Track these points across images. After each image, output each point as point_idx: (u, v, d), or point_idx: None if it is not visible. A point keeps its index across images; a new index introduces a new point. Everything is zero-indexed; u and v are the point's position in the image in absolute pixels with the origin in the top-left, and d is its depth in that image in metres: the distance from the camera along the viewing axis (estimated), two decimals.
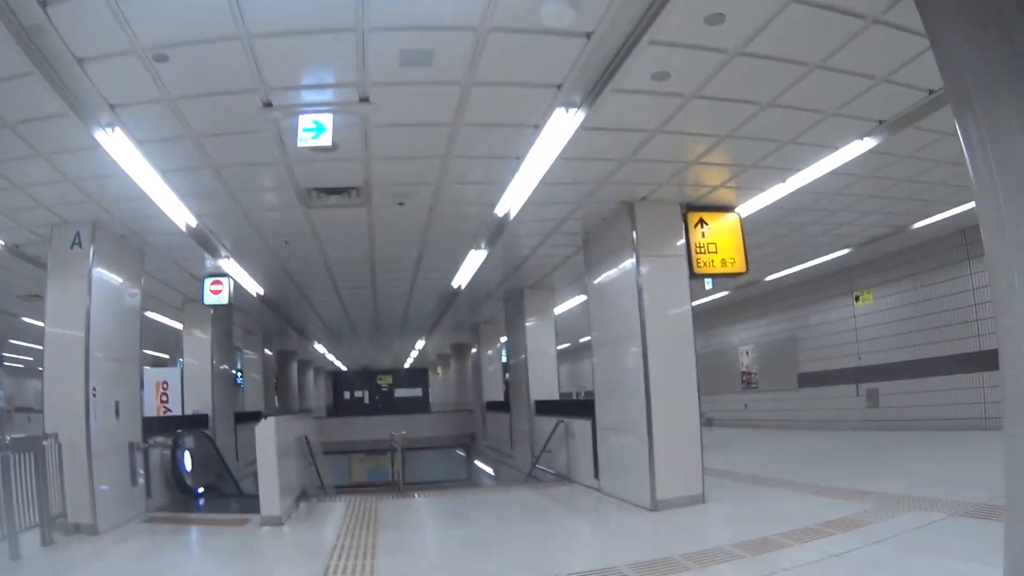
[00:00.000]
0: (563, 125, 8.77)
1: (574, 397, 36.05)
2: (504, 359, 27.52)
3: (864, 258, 20.41)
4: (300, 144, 7.96)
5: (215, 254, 14.24)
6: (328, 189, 10.62)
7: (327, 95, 7.72)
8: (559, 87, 7.90)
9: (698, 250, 12.33)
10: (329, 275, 17.50)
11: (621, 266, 12.64)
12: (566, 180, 10.93)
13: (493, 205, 11.96)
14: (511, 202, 11.78)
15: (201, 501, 15.22)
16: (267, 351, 30.45)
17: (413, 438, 26.16)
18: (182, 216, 11.33)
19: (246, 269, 16.06)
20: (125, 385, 12.42)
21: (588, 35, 6.85)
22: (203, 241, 13.12)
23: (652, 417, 11.56)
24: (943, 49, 5.37)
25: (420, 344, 38.00)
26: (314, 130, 7.87)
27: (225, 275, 15.99)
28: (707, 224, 12.48)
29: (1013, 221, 4.71)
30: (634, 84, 7.85)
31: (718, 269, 12.52)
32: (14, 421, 35.35)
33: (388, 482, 24.42)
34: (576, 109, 8.40)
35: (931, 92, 8.81)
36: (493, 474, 25.64)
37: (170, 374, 22.47)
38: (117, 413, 11.97)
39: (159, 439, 14.45)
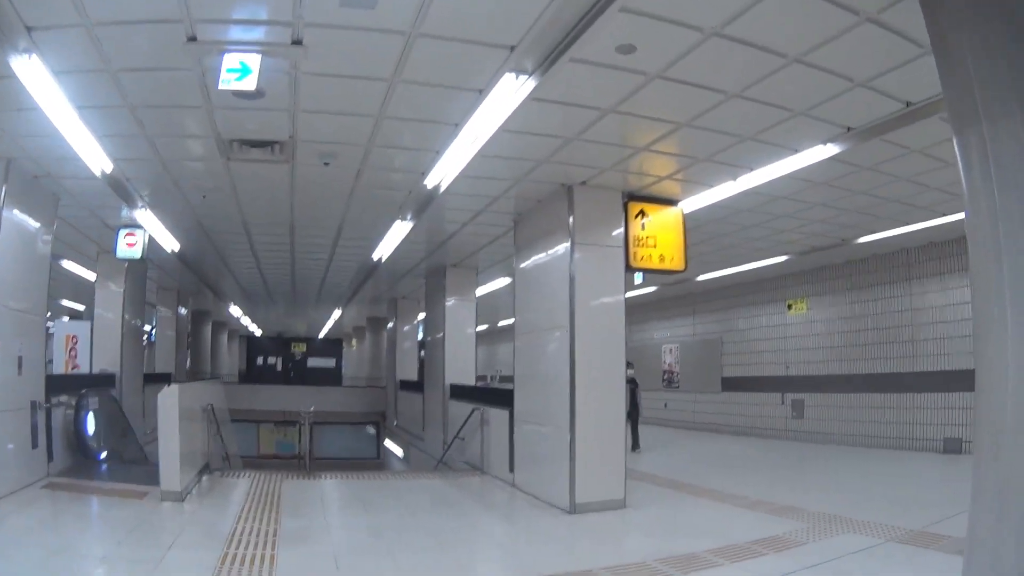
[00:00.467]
0: (510, 93, 8.05)
1: (488, 381, 35.57)
2: (421, 337, 27.25)
3: (801, 267, 20.35)
4: (222, 86, 7.21)
5: (131, 204, 13.34)
6: (250, 141, 9.86)
7: (257, 33, 6.94)
8: (512, 49, 7.21)
9: (636, 242, 11.94)
10: (247, 235, 16.71)
11: (553, 251, 12.14)
12: (506, 154, 10.28)
13: (424, 175, 11.25)
14: (443, 173, 10.97)
15: (103, 467, 14.54)
16: (182, 309, 29.34)
17: (324, 412, 25.79)
18: (98, 160, 10.50)
19: (163, 222, 15.15)
20: (30, 338, 11.66)
21: None
22: (119, 189, 12.23)
23: (576, 412, 11.16)
24: (949, 57, 5.13)
25: (336, 314, 37.03)
26: (239, 71, 7.10)
27: (140, 227, 15.11)
28: (648, 216, 12.07)
29: (1010, 239, 4.51)
30: (595, 55, 7.25)
31: (655, 264, 12.13)
32: None
33: (296, 455, 23.93)
34: (527, 76, 7.71)
35: (909, 104, 8.53)
36: (403, 456, 25.32)
37: (81, 328, 21.22)
38: (20, 368, 11.21)
39: (63, 398, 13.68)
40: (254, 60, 7.08)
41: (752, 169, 11.01)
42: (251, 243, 17.79)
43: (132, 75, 7.92)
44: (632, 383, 18.37)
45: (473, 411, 16.04)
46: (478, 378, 22.26)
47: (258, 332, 52.18)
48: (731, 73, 7.79)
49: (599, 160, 10.57)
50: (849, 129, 9.35)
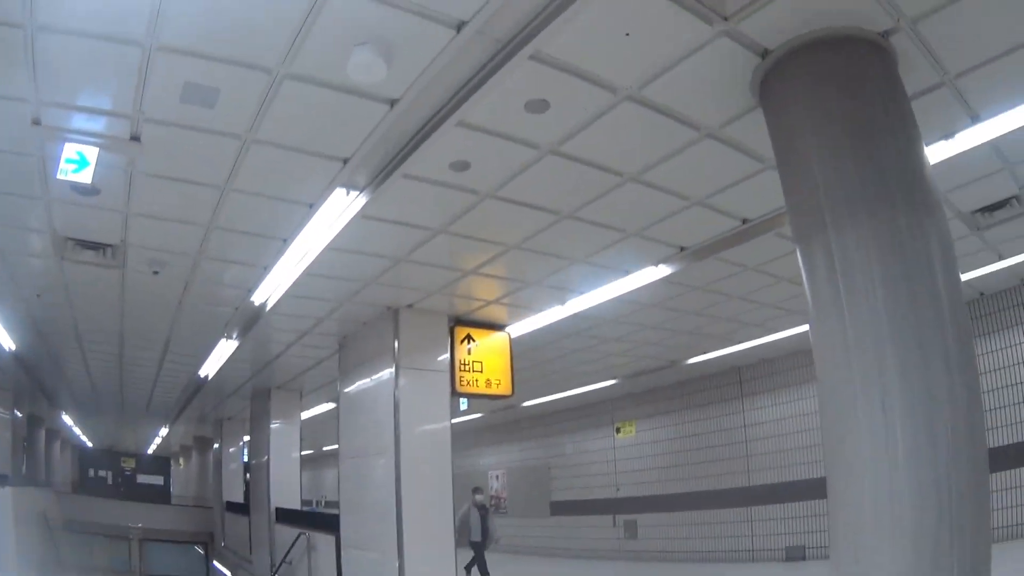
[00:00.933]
0: (340, 209, 7.68)
1: (315, 505, 34.91)
2: (246, 459, 26.27)
3: (629, 390, 20.23)
4: (59, 175, 6.58)
5: None
6: (84, 242, 9.12)
7: (98, 124, 6.30)
8: (346, 162, 6.81)
9: (462, 367, 11.65)
10: (78, 341, 15.53)
11: (378, 376, 11.73)
12: (333, 274, 9.75)
13: (251, 291, 10.69)
14: (270, 291, 10.46)
15: None
16: (17, 412, 27.62)
17: (154, 529, 25.25)
18: None
19: None
20: None
21: (392, 102, 5.86)
22: None
23: (403, 538, 10.66)
24: (794, 165, 5.25)
25: (164, 431, 36.01)
26: (77, 163, 6.51)
27: None
28: (474, 341, 11.87)
29: (860, 346, 4.58)
30: (429, 171, 6.90)
31: (482, 389, 11.85)
32: None
33: (128, 571, 22.80)
34: (359, 192, 7.34)
35: (745, 221, 8.44)
36: None
37: None
38: None
39: None
40: (92, 153, 6.49)
41: (581, 292, 10.82)
42: (82, 350, 16.64)
43: None
44: (483, 509, 17.71)
45: (299, 536, 15.45)
46: (304, 502, 21.55)
47: (89, 443, 50.24)
48: (565, 193, 7.53)
49: (427, 283, 10.20)
50: (682, 249, 9.20)
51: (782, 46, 5.25)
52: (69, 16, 4.89)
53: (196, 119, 6.11)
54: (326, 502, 35.36)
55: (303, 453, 21.17)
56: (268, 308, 11.09)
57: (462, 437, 25.87)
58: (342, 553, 12.83)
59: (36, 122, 6.23)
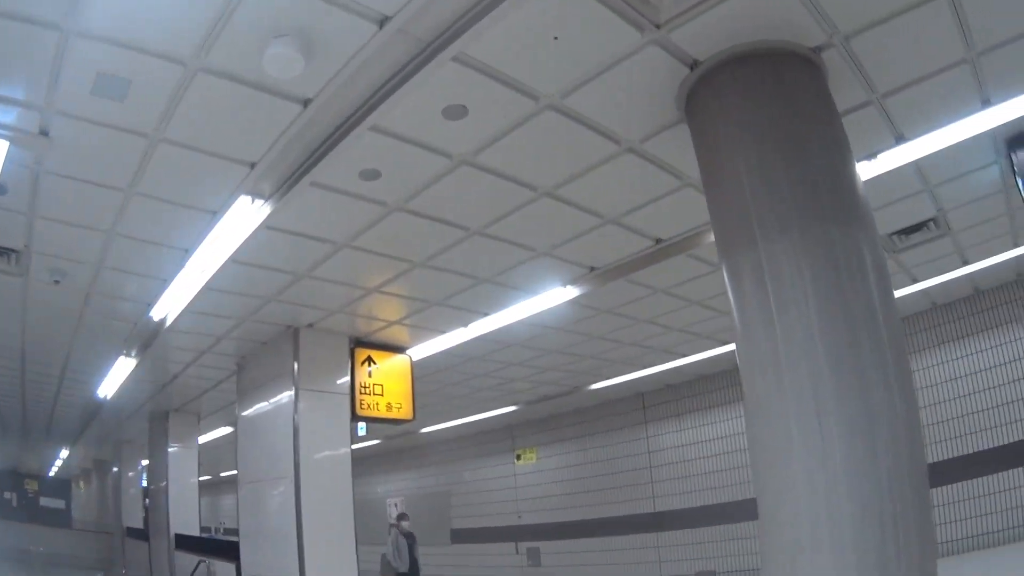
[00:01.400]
0: (244, 218, 7.23)
1: (213, 532, 33.96)
2: (144, 483, 25.53)
3: (529, 416, 20.05)
4: None
5: None
6: None
7: (9, 116, 5.78)
8: (253, 166, 6.38)
9: (363, 390, 11.35)
10: None
11: (277, 399, 11.35)
12: (234, 289, 9.23)
13: (150, 306, 10.14)
14: (169, 306, 9.97)
15: None
16: None
17: (56, 553, 25.32)
18: None
19: None
20: None
21: (306, 102, 5.49)
22: None
23: (305, 569, 10.29)
24: (722, 179, 5.12)
25: (65, 453, 35.02)
26: None
27: None
28: (376, 363, 11.57)
29: (792, 362, 4.45)
30: (337, 179, 6.54)
31: (383, 413, 11.55)
32: None
33: None
34: (264, 201, 6.94)
35: (659, 241, 8.29)
36: None
37: None
38: None
39: None
40: (2, 147, 6.03)
41: (486, 314, 10.57)
42: None
43: None
44: (410, 537, 17.33)
45: (200, 563, 15.19)
46: (203, 529, 21.12)
47: None
48: (477, 207, 7.25)
49: (328, 301, 9.82)
50: (592, 269, 9.02)
51: (713, 57, 5.11)
52: None
53: (106, 113, 5.64)
54: (225, 529, 34.30)
55: (202, 479, 20.78)
56: (167, 324, 10.57)
57: (357, 464, 25.82)
58: None
59: None
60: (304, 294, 9.49)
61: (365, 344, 11.50)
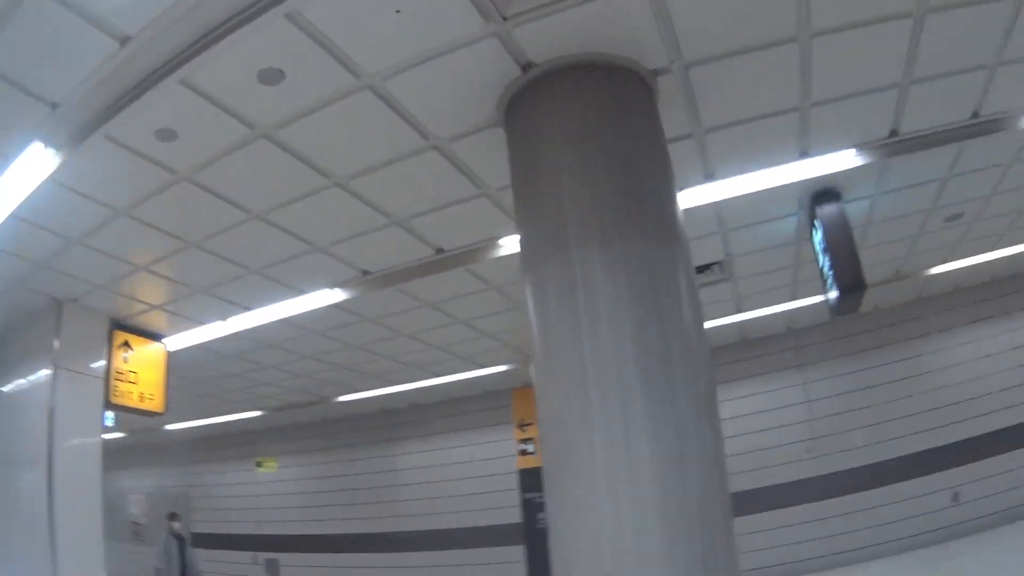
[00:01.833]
0: (34, 167, 6.38)
1: None
2: None
3: (275, 423, 19.69)
4: None
5: None
6: None
7: None
8: (55, 107, 5.63)
9: (118, 376, 10.60)
10: None
11: (34, 377, 10.42)
12: (8, 249, 8.15)
13: None
14: None
15: None
16: None
17: None
18: None
19: None
20: None
21: (125, 40, 4.90)
22: None
23: (58, 560, 9.56)
24: (537, 187, 5.03)
25: None
26: None
27: None
28: (132, 349, 10.85)
29: (599, 382, 4.34)
30: (132, 136, 5.97)
31: (135, 403, 10.83)
32: None
33: None
34: (56, 151, 6.16)
35: (440, 251, 8.21)
36: None
37: None
38: None
39: None
40: None
41: (248, 308, 10.18)
42: None
43: None
44: (180, 539, 15.65)
45: None
46: None
47: None
48: (264, 188, 6.90)
49: (96, 274, 9.00)
50: (365, 273, 8.82)
51: (550, 61, 5.07)
52: None
53: None
54: None
55: None
56: None
57: (104, 457, 24.98)
58: None
59: None
60: (74, 263, 8.66)
61: (124, 327, 10.78)
